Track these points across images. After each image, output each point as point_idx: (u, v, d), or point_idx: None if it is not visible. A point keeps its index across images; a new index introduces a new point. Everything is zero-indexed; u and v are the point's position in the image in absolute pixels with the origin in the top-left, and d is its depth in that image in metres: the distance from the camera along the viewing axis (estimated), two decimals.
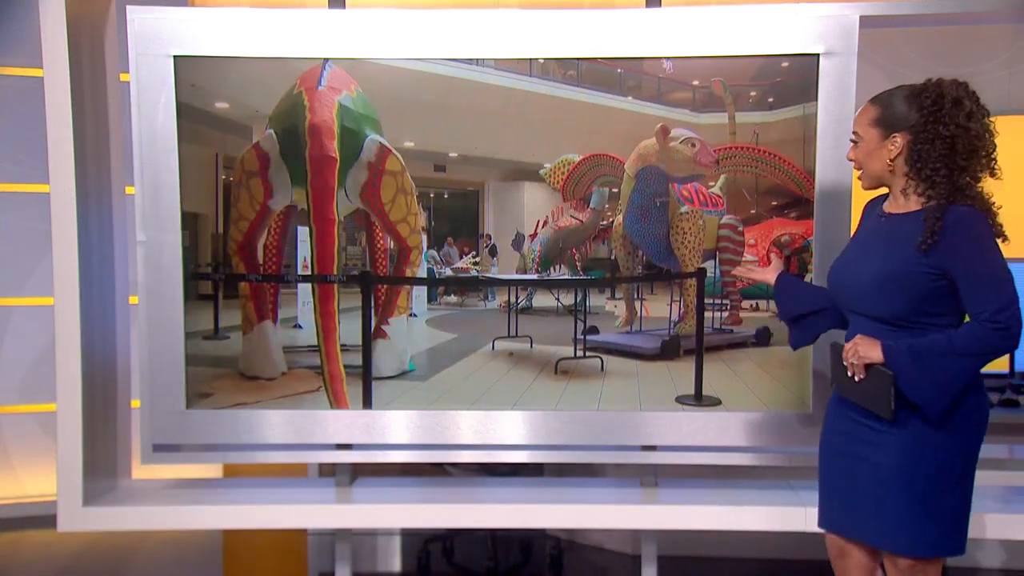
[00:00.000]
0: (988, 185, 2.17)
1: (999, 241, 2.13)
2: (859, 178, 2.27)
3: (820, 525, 2.39)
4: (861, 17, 2.74)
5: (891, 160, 2.17)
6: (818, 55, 2.74)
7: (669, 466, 3.05)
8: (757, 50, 2.78)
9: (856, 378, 2.18)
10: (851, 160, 2.27)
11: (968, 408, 2.14)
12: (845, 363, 2.19)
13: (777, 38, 2.76)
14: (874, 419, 2.19)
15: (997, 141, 2.16)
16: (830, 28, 2.74)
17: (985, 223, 2.11)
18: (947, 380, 2.09)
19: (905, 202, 2.19)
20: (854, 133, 2.24)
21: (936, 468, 2.14)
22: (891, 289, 2.13)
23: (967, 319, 2.14)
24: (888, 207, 2.24)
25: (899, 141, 2.15)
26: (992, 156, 2.14)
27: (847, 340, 2.23)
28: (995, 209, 2.15)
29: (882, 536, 2.21)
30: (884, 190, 2.28)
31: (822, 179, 2.76)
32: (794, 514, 2.79)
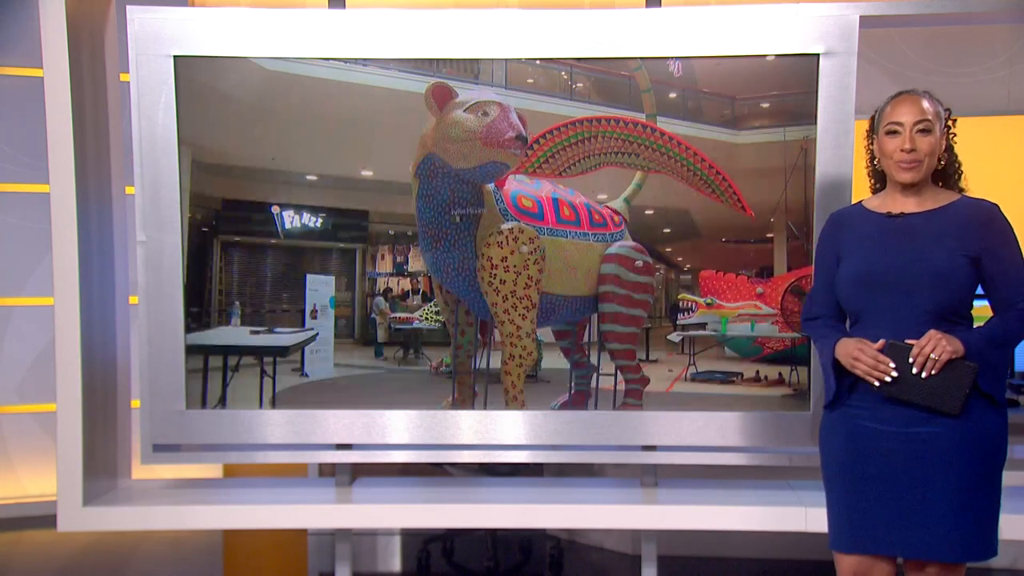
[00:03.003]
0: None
1: None
2: (908, 169, 2.17)
3: (863, 550, 2.19)
4: (861, 17, 2.74)
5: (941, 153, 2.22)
6: (818, 55, 2.74)
7: (669, 466, 3.05)
8: (757, 50, 2.77)
9: (924, 374, 2.09)
10: (916, 151, 2.15)
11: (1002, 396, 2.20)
12: (912, 360, 2.09)
13: (777, 38, 2.76)
14: (924, 423, 2.12)
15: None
16: (830, 28, 2.74)
17: None
18: (1005, 368, 2.17)
19: (933, 197, 2.21)
20: (926, 122, 2.16)
21: (997, 459, 2.15)
22: (945, 283, 2.15)
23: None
24: (898, 207, 2.22)
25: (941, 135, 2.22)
26: None
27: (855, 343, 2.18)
28: None
29: (952, 545, 2.14)
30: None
31: (823, 179, 2.76)
32: (794, 514, 2.79)
